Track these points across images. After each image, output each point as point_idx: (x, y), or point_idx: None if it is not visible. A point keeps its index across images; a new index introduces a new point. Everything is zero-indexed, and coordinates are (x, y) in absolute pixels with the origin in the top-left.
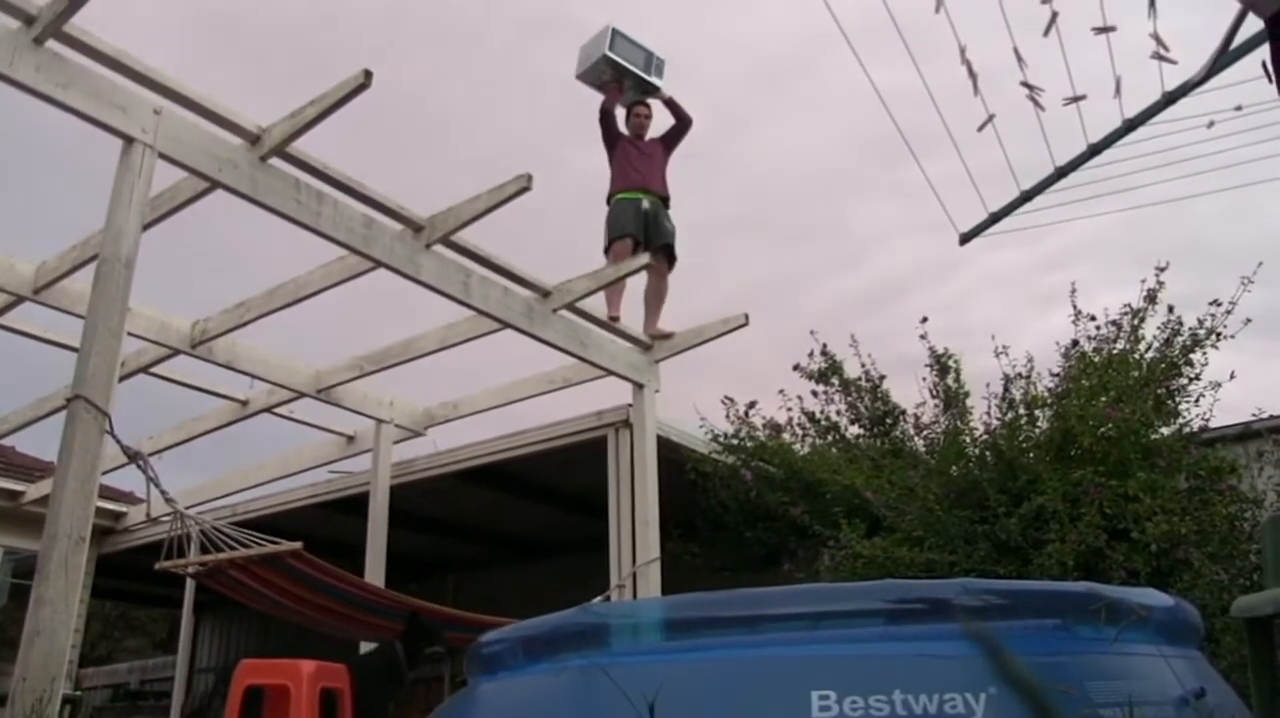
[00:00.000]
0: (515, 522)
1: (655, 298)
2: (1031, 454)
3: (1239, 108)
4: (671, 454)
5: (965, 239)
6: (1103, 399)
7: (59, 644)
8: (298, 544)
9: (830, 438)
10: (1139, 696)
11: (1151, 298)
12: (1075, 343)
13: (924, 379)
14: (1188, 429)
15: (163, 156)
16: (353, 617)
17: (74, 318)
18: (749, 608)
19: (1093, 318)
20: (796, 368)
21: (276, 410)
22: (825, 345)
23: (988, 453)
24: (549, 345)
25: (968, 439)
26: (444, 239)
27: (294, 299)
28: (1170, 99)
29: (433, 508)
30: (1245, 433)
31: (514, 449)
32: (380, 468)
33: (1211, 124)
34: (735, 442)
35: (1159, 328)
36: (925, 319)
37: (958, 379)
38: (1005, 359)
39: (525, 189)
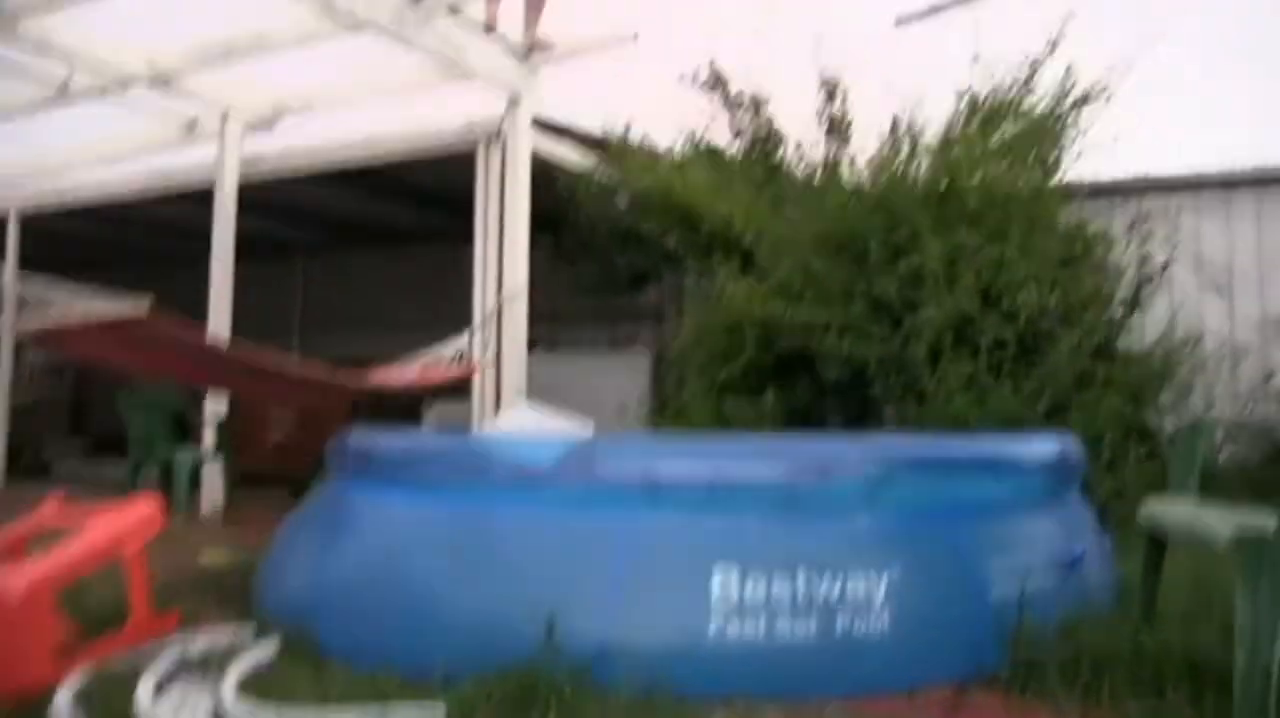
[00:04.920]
0: (373, 213)
1: (535, 3)
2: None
3: None
4: (543, 170)
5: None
6: (990, 145)
7: None
8: (144, 306)
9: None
10: (1032, 563)
11: (1052, 48)
12: (970, 88)
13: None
14: (1066, 185)
15: None
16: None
17: None
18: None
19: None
20: (683, 77)
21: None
22: (713, 61)
23: (869, 194)
24: (420, 50)
25: (846, 171)
26: None
27: None
28: None
29: (282, 198)
30: (1114, 189)
31: (375, 155)
32: (227, 165)
33: None
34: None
35: (1056, 81)
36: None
37: (844, 105)
38: (896, 97)
39: None
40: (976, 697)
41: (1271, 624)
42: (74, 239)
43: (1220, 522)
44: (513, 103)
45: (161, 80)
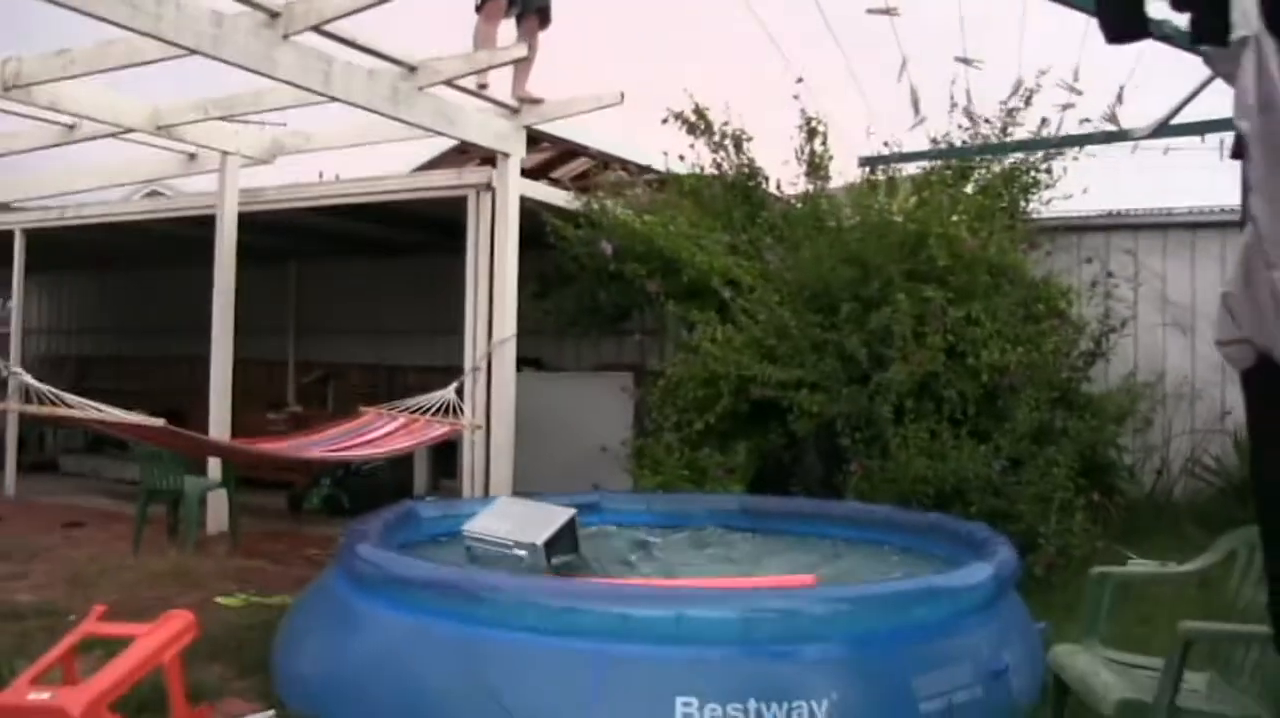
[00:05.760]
0: (367, 233)
1: (524, 61)
2: (886, 254)
3: None
4: (530, 213)
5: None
6: (960, 207)
7: None
8: (160, 422)
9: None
10: (962, 678)
11: (1028, 99)
12: (945, 135)
13: (791, 139)
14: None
15: None
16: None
17: None
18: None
19: (968, 113)
20: (667, 119)
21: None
22: (697, 105)
23: (844, 240)
24: (415, 126)
25: (825, 204)
26: (303, 30)
27: (128, 63)
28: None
29: (280, 221)
30: (1082, 226)
31: (370, 195)
32: (227, 201)
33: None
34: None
35: (1029, 132)
36: (800, 80)
37: (824, 144)
38: (875, 138)
39: None
40: None
41: None
42: (77, 245)
43: (1111, 684)
44: (503, 157)
45: (163, 129)
